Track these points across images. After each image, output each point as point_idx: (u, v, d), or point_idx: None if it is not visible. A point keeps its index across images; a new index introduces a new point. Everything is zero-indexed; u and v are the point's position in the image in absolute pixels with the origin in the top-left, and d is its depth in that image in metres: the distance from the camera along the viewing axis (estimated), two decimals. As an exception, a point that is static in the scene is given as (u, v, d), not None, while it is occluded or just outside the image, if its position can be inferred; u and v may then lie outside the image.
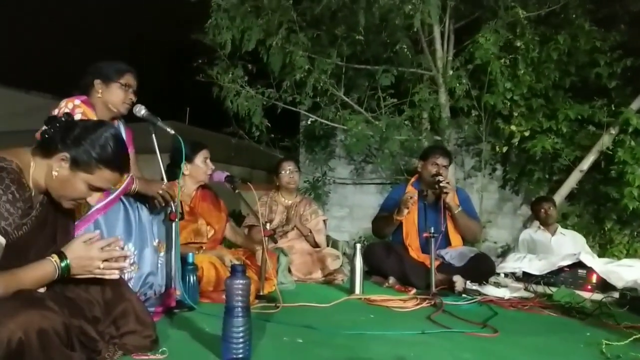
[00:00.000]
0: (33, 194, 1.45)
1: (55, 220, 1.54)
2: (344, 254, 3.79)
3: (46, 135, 1.49)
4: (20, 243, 1.40)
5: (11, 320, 1.22)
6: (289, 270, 3.30)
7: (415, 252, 3.49)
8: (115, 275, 1.51)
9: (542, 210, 4.44)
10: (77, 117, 2.22)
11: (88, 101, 2.33)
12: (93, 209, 2.11)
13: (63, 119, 1.52)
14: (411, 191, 3.63)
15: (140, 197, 2.33)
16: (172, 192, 2.35)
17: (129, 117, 2.49)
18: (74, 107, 2.28)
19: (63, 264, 1.41)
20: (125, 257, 1.53)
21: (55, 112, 2.27)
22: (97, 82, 2.35)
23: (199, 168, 3.04)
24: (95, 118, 2.28)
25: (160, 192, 2.32)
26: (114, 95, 2.36)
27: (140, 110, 2.38)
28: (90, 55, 2.52)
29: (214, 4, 5.33)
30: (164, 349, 1.69)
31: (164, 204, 2.36)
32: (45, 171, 1.46)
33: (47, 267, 1.39)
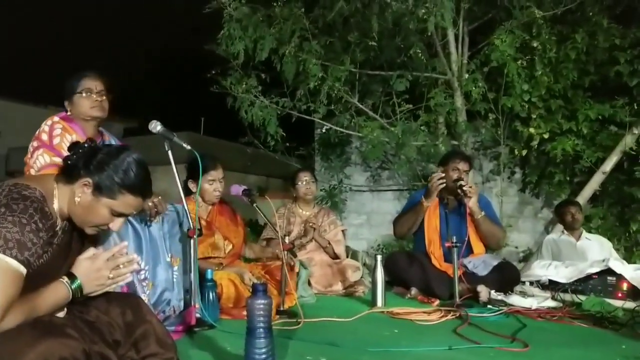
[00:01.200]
0: (57, 221, 1.43)
1: (79, 248, 1.52)
2: (364, 264, 3.73)
3: (69, 162, 1.48)
4: (42, 271, 1.38)
5: (32, 350, 1.20)
6: (309, 283, 3.25)
7: (437, 261, 3.42)
8: (128, 278, 1.50)
9: (569, 214, 4.29)
10: (57, 132, 2.32)
11: (67, 117, 2.40)
12: None
13: (86, 145, 1.51)
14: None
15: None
16: (159, 206, 2.30)
17: (147, 130, 2.46)
18: (53, 123, 2.35)
19: (75, 285, 1.41)
20: (132, 261, 1.50)
21: (37, 132, 2.34)
22: (65, 103, 2.41)
23: (205, 190, 2.96)
24: (74, 132, 2.34)
25: (152, 203, 2.26)
26: (80, 106, 2.38)
27: (156, 127, 2.36)
28: (104, 69, 2.52)
29: (226, 15, 5.33)
30: (186, 372, 1.65)
31: (154, 216, 2.31)
32: (69, 197, 1.45)
33: (60, 290, 1.39)
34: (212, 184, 2.96)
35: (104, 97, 2.41)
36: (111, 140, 2.57)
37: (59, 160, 2.26)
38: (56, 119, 2.37)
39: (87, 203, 1.44)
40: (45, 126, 2.34)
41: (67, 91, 2.39)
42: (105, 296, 1.58)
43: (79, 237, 1.54)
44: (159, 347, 1.61)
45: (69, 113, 2.40)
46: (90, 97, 2.37)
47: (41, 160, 2.24)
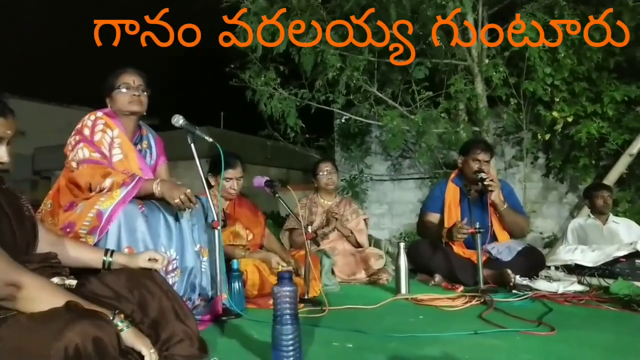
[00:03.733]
0: None
1: (11, 210, 1.54)
2: (387, 252, 3.74)
3: None
4: None
5: (69, 330, 1.25)
6: (332, 272, 3.28)
7: (460, 249, 3.40)
8: None
9: (601, 198, 4.19)
10: (99, 127, 2.38)
11: (110, 112, 2.45)
12: (110, 207, 2.09)
13: None
14: (453, 189, 3.54)
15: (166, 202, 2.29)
16: (192, 199, 2.27)
17: (168, 126, 2.50)
18: (96, 118, 2.40)
19: (121, 322, 1.39)
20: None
21: (79, 126, 2.38)
22: (107, 99, 2.47)
23: (222, 185, 3.03)
24: (116, 127, 2.40)
25: (180, 198, 2.21)
26: (118, 102, 2.43)
27: (179, 120, 2.39)
28: (126, 65, 2.54)
29: (243, 8, 5.35)
30: (215, 358, 1.68)
31: (184, 209, 2.29)
32: None
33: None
34: (229, 181, 3.06)
35: (143, 92, 2.45)
36: (149, 135, 2.61)
37: (97, 156, 2.32)
38: (99, 114, 2.42)
39: None
40: (88, 121, 2.38)
41: (107, 88, 2.44)
42: (117, 275, 1.63)
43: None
44: (184, 333, 1.64)
45: (111, 108, 2.46)
46: (128, 93, 2.41)
47: (80, 154, 2.30)
